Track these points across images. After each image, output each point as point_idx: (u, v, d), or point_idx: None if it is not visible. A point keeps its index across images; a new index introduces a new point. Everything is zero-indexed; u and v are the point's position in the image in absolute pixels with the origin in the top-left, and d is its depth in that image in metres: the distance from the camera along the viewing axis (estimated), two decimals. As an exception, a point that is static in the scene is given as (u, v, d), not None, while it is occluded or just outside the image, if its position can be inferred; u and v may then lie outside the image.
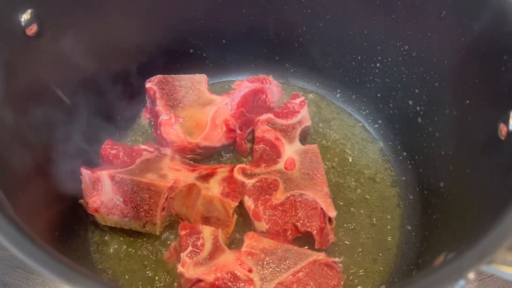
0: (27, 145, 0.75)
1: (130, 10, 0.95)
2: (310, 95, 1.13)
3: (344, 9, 0.95)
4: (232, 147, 1.03)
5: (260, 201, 0.88)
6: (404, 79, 0.93)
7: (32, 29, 0.70)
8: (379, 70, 0.98)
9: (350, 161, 1.03)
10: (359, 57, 1.01)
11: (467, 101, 0.76)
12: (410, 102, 0.93)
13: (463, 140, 0.81)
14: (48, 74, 0.80)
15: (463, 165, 0.79)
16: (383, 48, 0.94)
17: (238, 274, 0.78)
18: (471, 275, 0.50)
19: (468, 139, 0.79)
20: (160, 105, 0.99)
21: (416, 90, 0.91)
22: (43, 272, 0.51)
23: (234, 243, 0.90)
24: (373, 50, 0.97)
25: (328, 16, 0.99)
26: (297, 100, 1.04)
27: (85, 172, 0.88)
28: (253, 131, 1.03)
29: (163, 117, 0.96)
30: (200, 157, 1.00)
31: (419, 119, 0.93)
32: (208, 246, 0.82)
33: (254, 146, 0.98)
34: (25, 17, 0.68)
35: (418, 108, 0.92)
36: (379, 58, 0.96)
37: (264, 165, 0.94)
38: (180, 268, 0.79)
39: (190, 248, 0.81)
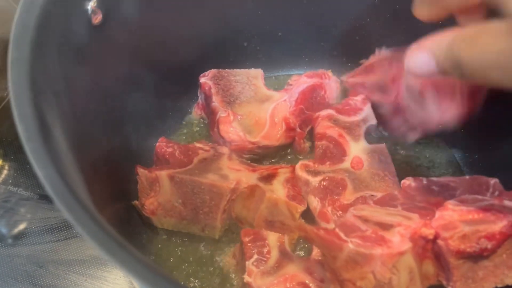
0: (87, 141, 0.70)
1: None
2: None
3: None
4: (288, 147, 0.97)
5: (327, 201, 0.82)
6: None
7: (98, 18, 0.65)
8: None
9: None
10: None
11: None
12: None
13: None
14: (109, 67, 0.75)
15: None
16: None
17: (310, 285, 0.71)
18: None
19: None
20: (216, 102, 0.92)
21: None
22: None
23: (298, 249, 0.84)
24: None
25: (397, 7, 0.92)
26: (359, 97, 0.97)
27: (142, 172, 0.82)
28: (311, 128, 0.96)
29: (221, 114, 0.90)
30: (257, 156, 0.94)
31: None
32: (274, 254, 0.76)
33: (316, 142, 0.91)
34: (91, 5, 0.62)
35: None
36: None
37: (329, 162, 0.87)
38: (246, 278, 0.73)
39: (255, 256, 0.75)
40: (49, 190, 0.45)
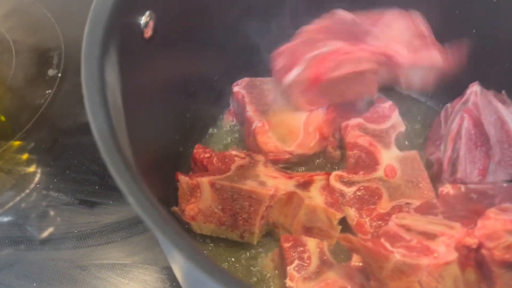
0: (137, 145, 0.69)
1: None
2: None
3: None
4: (320, 154, 0.95)
5: (364, 211, 0.80)
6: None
7: (148, 33, 0.64)
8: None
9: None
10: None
11: None
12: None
13: None
14: (154, 78, 0.74)
15: None
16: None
17: (351, 290, 0.71)
18: None
19: None
20: (251, 111, 0.91)
21: None
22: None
23: (335, 254, 0.82)
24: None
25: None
26: (386, 104, 0.96)
27: (183, 178, 0.81)
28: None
29: (257, 124, 0.88)
30: (290, 164, 0.92)
31: None
32: (315, 260, 0.75)
33: (347, 152, 0.89)
34: (144, 19, 0.62)
35: None
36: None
37: (362, 172, 0.86)
38: (289, 283, 0.72)
39: (296, 262, 0.74)
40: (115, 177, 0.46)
